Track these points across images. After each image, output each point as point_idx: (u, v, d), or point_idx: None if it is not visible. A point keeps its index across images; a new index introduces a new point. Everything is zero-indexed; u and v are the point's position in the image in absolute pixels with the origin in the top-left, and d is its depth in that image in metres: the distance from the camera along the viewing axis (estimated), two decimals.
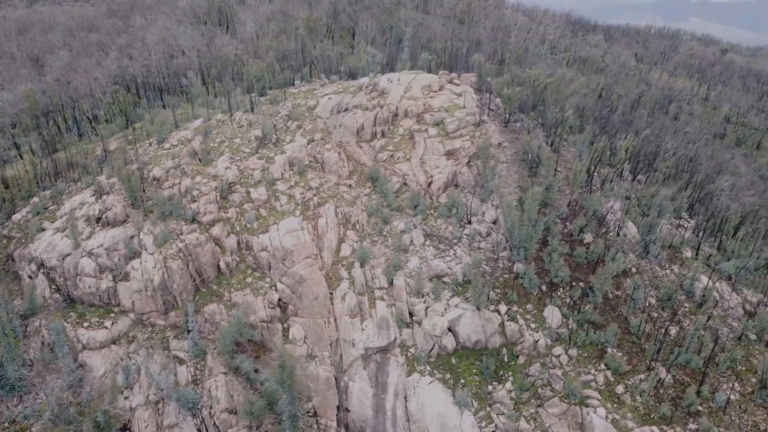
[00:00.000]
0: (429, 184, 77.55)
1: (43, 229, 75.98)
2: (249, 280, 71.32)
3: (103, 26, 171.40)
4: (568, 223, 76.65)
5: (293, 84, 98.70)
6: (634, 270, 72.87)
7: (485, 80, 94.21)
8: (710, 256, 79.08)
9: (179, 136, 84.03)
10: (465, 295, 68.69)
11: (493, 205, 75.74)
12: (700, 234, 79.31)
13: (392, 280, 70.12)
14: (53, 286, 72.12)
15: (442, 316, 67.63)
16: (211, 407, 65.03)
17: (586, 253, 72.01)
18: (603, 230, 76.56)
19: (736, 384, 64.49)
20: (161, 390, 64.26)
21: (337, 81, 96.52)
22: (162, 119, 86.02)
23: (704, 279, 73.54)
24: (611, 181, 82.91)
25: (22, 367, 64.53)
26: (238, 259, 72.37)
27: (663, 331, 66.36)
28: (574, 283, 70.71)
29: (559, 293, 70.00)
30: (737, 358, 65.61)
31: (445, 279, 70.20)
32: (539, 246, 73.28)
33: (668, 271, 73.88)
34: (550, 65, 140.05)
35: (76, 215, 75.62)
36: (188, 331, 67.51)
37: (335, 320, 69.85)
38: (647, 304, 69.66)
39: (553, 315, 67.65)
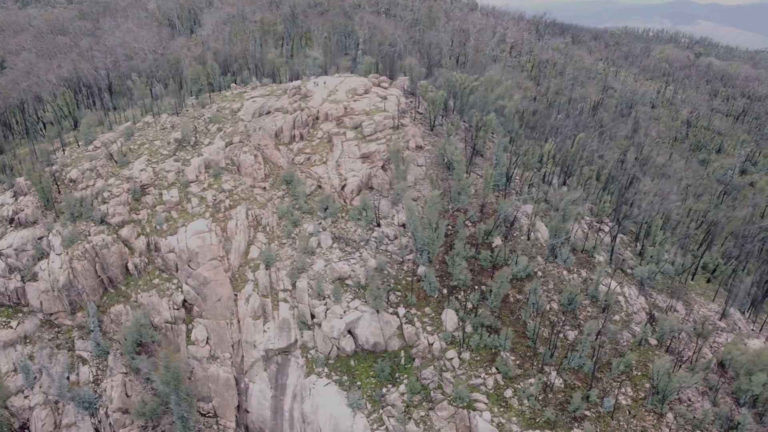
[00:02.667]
0: (343, 187, 78.01)
1: None
2: (156, 281, 72.01)
3: (72, 29, 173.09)
4: (485, 226, 76.79)
5: (229, 87, 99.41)
6: (540, 274, 73.03)
7: (417, 84, 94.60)
8: (623, 260, 79.09)
9: (105, 138, 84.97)
10: (366, 297, 69.00)
11: (404, 208, 76.06)
12: (615, 238, 79.15)
13: (295, 282, 70.55)
14: None
15: (341, 318, 68.02)
16: (108, 407, 65.74)
17: (491, 256, 72.21)
18: (515, 234, 76.74)
19: (629, 389, 64.54)
20: (59, 389, 65.00)
21: (269, 84, 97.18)
22: (88, 121, 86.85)
23: (614, 283, 73.67)
24: (531, 185, 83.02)
25: None
26: (146, 260, 73.05)
27: (557, 335, 66.43)
28: (476, 287, 70.93)
29: (459, 296, 70.20)
30: (632, 362, 65.59)
31: (348, 281, 70.59)
32: (445, 249, 73.56)
33: (575, 275, 73.99)
34: (504, 68, 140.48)
35: None
36: (91, 332, 68.30)
37: (238, 322, 70.42)
38: (548, 308, 69.76)
39: (449, 318, 67.86)
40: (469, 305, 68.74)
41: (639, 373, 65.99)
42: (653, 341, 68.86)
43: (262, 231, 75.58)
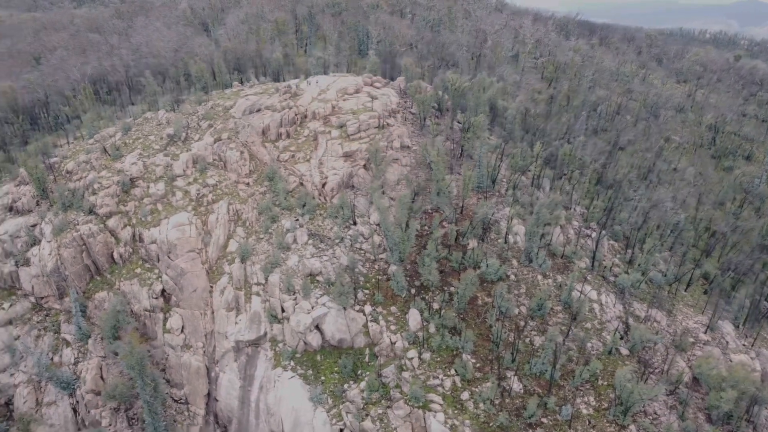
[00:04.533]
0: (323, 185, 79.09)
1: None
2: (138, 270, 74.96)
3: (106, 27, 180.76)
4: (458, 228, 76.40)
5: (231, 85, 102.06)
6: (513, 277, 72.12)
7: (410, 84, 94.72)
8: (607, 267, 77.01)
9: (106, 132, 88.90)
10: (333, 294, 69.74)
11: (377, 207, 76.43)
12: (597, 244, 77.12)
13: (268, 276, 72.04)
14: None
15: (308, 313, 69.07)
16: (82, 388, 68.94)
17: (463, 258, 71.79)
18: (492, 236, 75.98)
19: (592, 398, 63.09)
20: (39, 369, 68.65)
21: (267, 82, 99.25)
22: (92, 116, 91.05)
23: (590, 291, 72.14)
24: (515, 188, 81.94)
25: None
26: (131, 250, 76.12)
27: (521, 339, 65.52)
28: (444, 288, 70.68)
29: (428, 297, 70.12)
30: (597, 371, 64.07)
31: (318, 278, 71.59)
32: (418, 249, 73.56)
33: (550, 280, 72.69)
34: (522, 70, 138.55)
35: None
36: (74, 316, 71.73)
37: (212, 313, 72.50)
38: (517, 312, 68.85)
39: (413, 318, 67.89)
40: (435, 306, 68.60)
41: (605, 383, 64.37)
42: (625, 351, 67.01)
43: (241, 225, 77.50)
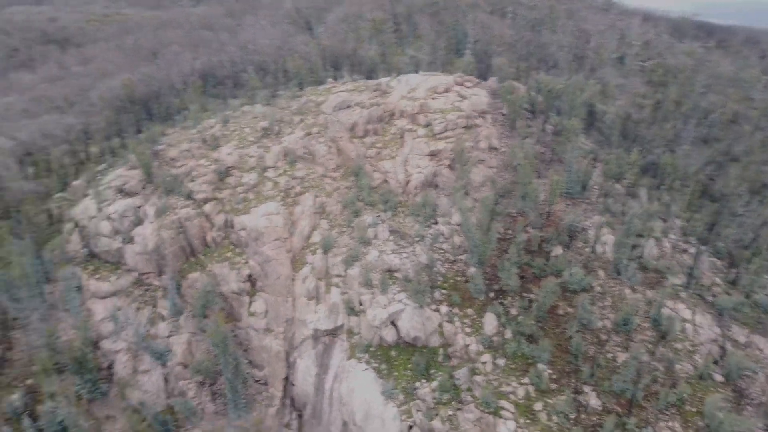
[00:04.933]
0: (407, 183, 79.56)
1: (87, 195, 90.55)
2: (229, 254, 79.27)
3: (217, 25, 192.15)
4: (542, 233, 74.13)
5: (325, 82, 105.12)
6: (598, 289, 68.87)
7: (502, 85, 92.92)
8: (705, 286, 71.49)
9: (207, 123, 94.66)
10: (410, 291, 70.05)
11: (458, 208, 75.72)
12: (696, 260, 71.80)
13: (348, 269, 73.60)
14: (83, 243, 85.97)
15: (384, 308, 69.88)
16: (173, 360, 74.00)
17: (545, 265, 69.53)
18: (579, 245, 72.98)
19: (677, 424, 58.98)
20: (137, 339, 74.54)
21: (359, 80, 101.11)
22: (198, 108, 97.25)
23: (683, 309, 67.48)
24: (606, 195, 78.10)
25: (42, 304, 78.67)
26: (223, 235, 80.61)
27: (603, 354, 62.46)
28: (524, 294, 68.80)
29: (506, 302, 68.59)
30: (684, 396, 59.77)
31: (397, 274, 72.15)
32: (499, 252, 72.11)
33: (640, 295, 68.67)
34: (627, 72, 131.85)
35: (110, 185, 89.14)
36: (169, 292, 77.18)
37: (293, 300, 75.26)
38: (600, 326, 65.70)
39: (489, 322, 66.69)
40: (513, 312, 66.99)
41: (693, 409, 59.92)
42: (719, 377, 62.03)
43: (325, 218, 79.71)
